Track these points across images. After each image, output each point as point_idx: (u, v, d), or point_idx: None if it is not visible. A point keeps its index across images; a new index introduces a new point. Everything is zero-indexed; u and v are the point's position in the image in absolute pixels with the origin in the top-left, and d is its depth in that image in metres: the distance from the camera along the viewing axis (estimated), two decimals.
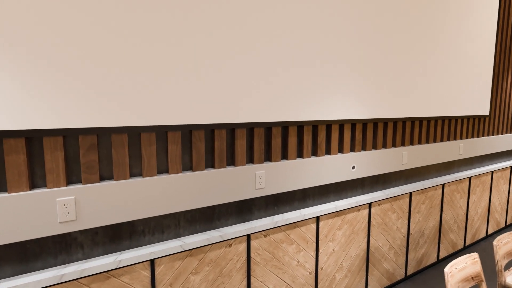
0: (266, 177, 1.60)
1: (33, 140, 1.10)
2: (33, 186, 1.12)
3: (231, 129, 1.51)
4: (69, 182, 1.18)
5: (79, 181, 1.19)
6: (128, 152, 1.25)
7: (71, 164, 1.17)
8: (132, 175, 1.29)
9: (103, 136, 1.22)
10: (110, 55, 1.15)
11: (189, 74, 1.31)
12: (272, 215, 1.73)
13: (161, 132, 1.34)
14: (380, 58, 1.97)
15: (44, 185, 1.13)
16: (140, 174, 1.31)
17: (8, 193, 1.06)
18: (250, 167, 1.54)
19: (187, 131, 1.40)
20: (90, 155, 1.17)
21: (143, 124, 1.24)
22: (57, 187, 1.12)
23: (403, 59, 2.11)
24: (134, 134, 1.27)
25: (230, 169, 1.48)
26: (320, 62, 1.70)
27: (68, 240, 1.19)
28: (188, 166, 1.42)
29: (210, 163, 1.48)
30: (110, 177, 1.25)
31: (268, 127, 1.63)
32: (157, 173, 1.34)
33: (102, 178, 1.23)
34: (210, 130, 1.46)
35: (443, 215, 2.68)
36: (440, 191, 2.62)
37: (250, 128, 1.57)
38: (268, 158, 1.66)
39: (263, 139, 1.59)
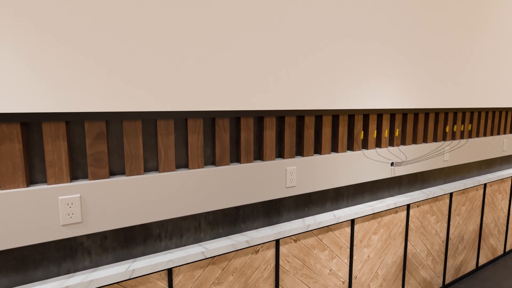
0: (297, 174, 1.39)
1: (30, 126, 0.92)
2: (31, 182, 0.94)
3: (258, 117, 1.31)
4: (73, 177, 0.99)
5: (85, 177, 1.01)
6: (142, 143, 1.06)
7: (76, 156, 0.99)
8: (146, 169, 1.11)
9: (113, 122, 1.03)
10: (121, 23, 0.96)
11: (214, 50, 1.11)
12: (302, 217, 1.52)
13: (180, 120, 1.14)
14: (428, 40, 1.73)
15: (44, 180, 0.95)
16: (156, 169, 1.12)
17: (1, 189, 0.88)
18: (279, 162, 1.34)
19: (209, 119, 1.20)
20: (98, 145, 0.99)
21: (160, 110, 1.05)
22: (59, 183, 0.94)
23: (449, 42, 1.86)
24: (149, 121, 1.08)
25: (258, 164, 1.28)
26: (361, 41, 1.47)
27: (73, 245, 1.01)
28: (210, 160, 1.22)
29: (235, 157, 1.28)
30: (122, 172, 1.06)
31: (299, 115, 1.42)
32: (176, 168, 1.15)
33: (112, 173, 1.05)
34: (235, 118, 1.26)
35: (484, 218, 2.42)
36: (482, 191, 2.36)
37: (280, 116, 1.36)
38: (299, 152, 1.45)
39: (295, 129, 1.38)
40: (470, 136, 2.20)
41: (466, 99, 2.05)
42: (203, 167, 1.18)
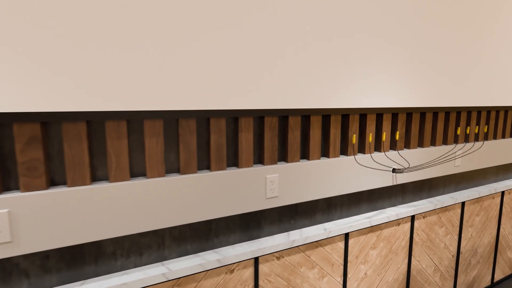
0: (279, 183, 1.21)
1: None
2: None
3: (233, 117, 1.14)
4: (5, 188, 0.85)
5: (18, 188, 0.86)
6: (88, 148, 0.90)
7: (8, 164, 0.85)
8: (96, 179, 0.95)
9: (53, 125, 0.88)
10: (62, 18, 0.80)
11: (177, 40, 0.95)
12: (287, 231, 1.34)
13: (136, 121, 0.99)
14: (437, 29, 1.51)
15: None
16: (106, 178, 0.96)
17: None
18: (258, 169, 1.16)
19: (172, 120, 1.04)
20: (31, 151, 0.84)
21: (109, 109, 0.89)
22: None
23: (463, 31, 1.63)
24: (96, 122, 0.93)
25: (232, 171, 1.11)
26: (358, 33, 1.27)
27: (6, 267, 0.87)
28: (174, 167, 1.06)
29: (205, 164, 1.11)
30: (64, 182, 0.91)
31: (283, 116, 1.24)
32: (131, 177, 1.00)
33: (55, 184, 0.90)
34: (204, 118, 1.09)
35: (501, 229, 2.17)
36: (499, 199, 2.11)
37: (259, 117, 1.18)
38: (283, 157, 1.27)
39: (277, 132, 1.20)
40: (486, 139, 1.96)
41: (482, 97, 1.81)
42: (164, 176, 1.02)
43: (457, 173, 1.91)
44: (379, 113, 1.46)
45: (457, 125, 1.78)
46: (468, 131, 1.80)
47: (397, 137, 1.47)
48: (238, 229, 1.22)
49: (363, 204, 1.55)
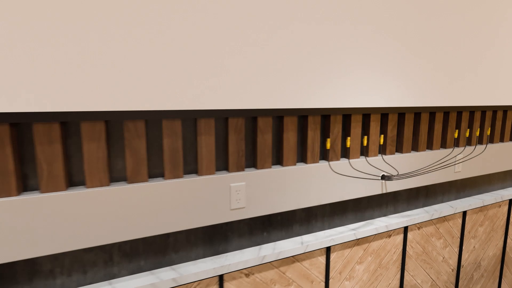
0: (247, 192, 1.08)
1: None
2: None
3: (192, 119, 1.01)
4: None
5: None
6: (12, 154, 0.79)
7: None
8: (27, 188, 0.84)
9: None
10: None
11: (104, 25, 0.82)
12: (259, 244, 1.21)
13: (73, 124, 0.87)
14: (429, 17, 1.34)
15: None
16: (36, 188, 0.85)
17: None
18: (222, 177, 1.03)
19: (117, 122, 0.92)
20: None
21: (37, 110, 0.78)
22: None
23: (463, 22, 1.45)
24: (26, 125, 0.82)
25: (190, 179, 0.98)
26: (339, 20, 1.12)
27: None
28: (121, 175, 0.94)
29: (159, 171, 0.99)
30: None
31: (252, 116, 1.10)
32: (68, 186, 0.88)
33: None
34: (156, 120, 0.96)
35: (508, 241, 1.99)
36: (506, 208, 1.92)
37: (224, 118, 1.05)
38: (252, 163, 1.13)
39: (243, 135, 1.07)
40: (491, 141, 1.77)
41: (487, 95, 1.63)
42: (109, 185, 0.90)
43: (458, 180, 1.73)
44: (366, 113, 1.31)
45: (458, 126, 1.61)
46: (467, 134, 1.63)
47: (381, 141, 1.31)
48: (200, 243, 1.10)
49: (349, 214, 1.40)
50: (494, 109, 1.69)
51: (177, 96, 0.92)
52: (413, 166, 1.45)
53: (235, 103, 1.01)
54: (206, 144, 1.01)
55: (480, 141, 1.72)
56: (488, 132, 1.63)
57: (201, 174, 1.02)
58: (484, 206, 1.79)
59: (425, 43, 1.36)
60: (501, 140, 1.82)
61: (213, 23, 0.93)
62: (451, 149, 1.57)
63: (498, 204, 1.87)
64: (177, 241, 1.06)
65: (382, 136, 1.32)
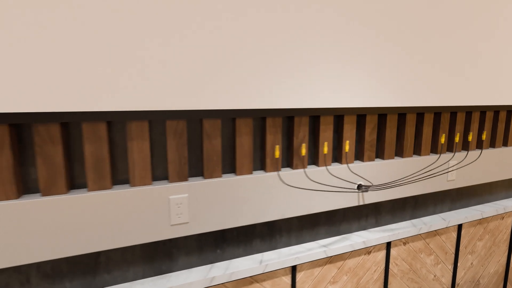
0: (190, 205, 0.94)
1: None
2: None
3: (121, 122, 0.88)
4: None
5: None
6: None
7: None
8: None
9: None
10: None
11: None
12: (212, 263, 1.07)
13: None
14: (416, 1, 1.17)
15: None
16: None
17: None
18: (159, 188, 0.90)
19: (27, 126, 0.79)
20: None
21: None
22: None
23: (458, 7, 1.26)
24: None
25: (119, 191, 0.85)
26: (302, 10, 0.96)
27: None
28: (33, 186, 0.82)
29: (82, 181, 0.86)
30: None
31: (198, 118, 0.96)
32: None
33: None
34: (75, 123, 0.84)
35: None
36: (510, 220, 1.72)
37: (161, 121, 0.92)
38: (198, 171, 0.99)
39: (185, 139, 0.93)
40: (492, 146, 1.57)
41: (487, 93, 1.43)
42: (17, 198, 0.78)
43: (453, 189, 1.54)
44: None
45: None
46: (457, 139, 1.44)
47: (347, 148, 1.14)
48: (139, 261, 0.97)
49: (321, 228, 1.24)
50: (496, 109, 1.49)
51: (94, 96, 0.79)
52: (397, 174, 1.28)
53: (170, 103, 0.87)
54: (139, 150, 0.88)
55: (478, 145, 1.53)
56: (484, 137, 1.43)
57: (133, 185, 0.89)
58: (483, 218, 1.60)
59: (412, 30, 1.18)
60: (505, 144, 1.62)
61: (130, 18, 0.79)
62: (442, 155, 1.38)
63: (500, 216, 1.67)
64: (111, 260, 0.93)
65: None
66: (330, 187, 1.14)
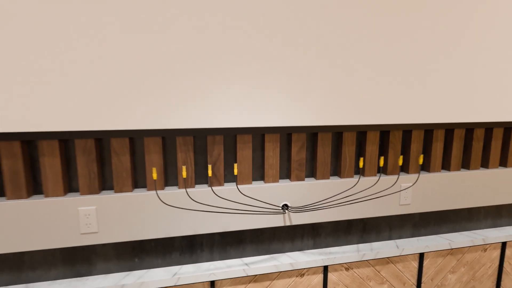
0: (99, 216, 1.03)
1: None
2: None
3: (29, 141, 1.00)
4: None
5: None
6: None
7: None
8: None
9: None
10: None
11: None
12: (130, 270, 1.14)
13: None
14: None
15: None
16: None
17: None
18: (69, 199, 1.00)
19: None
20: None
21: None
22: None
23: (422, 11, 1.15)
24: None
25: (33, 201, 0.97)
26: (200, 18, 0.99)
27: None
28: None
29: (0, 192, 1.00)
30: None
31: (100, 138, 1.04)
32: None
33: None
34: None
35: None
36: (497, 253, 1.49)
37: (63, 140, 1.02)
38: (110, 185, 1.07)
39: (94, 156, 1.02)
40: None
41: (447, 109, 1.27)
42: None
43: (415, 213, 1.40)
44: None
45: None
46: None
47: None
48: (60, 263, 1.08)
49: (247, 246, 1.24)
50: (467, 126, 1.32)
51: (14, 118, 0.92)
52: (336, 193, 1.21)
53: (81, 125, 0.96)
54: (51, 165, 0.99)
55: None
56: (421, 160, 1.28)
57: (47, 196, 1.00)
58: (457, 248, 1.41)
59: (340, 43, 1.11)
60: (484, 166, 1.42)
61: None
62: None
63: (482, 248, 1.46)
64: (34, 260, 1.06)
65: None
66: (262, 203, 1.13)
